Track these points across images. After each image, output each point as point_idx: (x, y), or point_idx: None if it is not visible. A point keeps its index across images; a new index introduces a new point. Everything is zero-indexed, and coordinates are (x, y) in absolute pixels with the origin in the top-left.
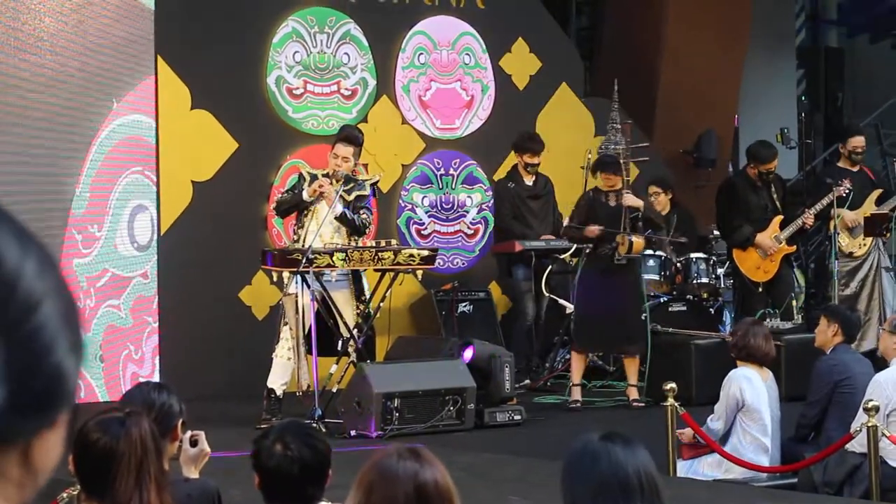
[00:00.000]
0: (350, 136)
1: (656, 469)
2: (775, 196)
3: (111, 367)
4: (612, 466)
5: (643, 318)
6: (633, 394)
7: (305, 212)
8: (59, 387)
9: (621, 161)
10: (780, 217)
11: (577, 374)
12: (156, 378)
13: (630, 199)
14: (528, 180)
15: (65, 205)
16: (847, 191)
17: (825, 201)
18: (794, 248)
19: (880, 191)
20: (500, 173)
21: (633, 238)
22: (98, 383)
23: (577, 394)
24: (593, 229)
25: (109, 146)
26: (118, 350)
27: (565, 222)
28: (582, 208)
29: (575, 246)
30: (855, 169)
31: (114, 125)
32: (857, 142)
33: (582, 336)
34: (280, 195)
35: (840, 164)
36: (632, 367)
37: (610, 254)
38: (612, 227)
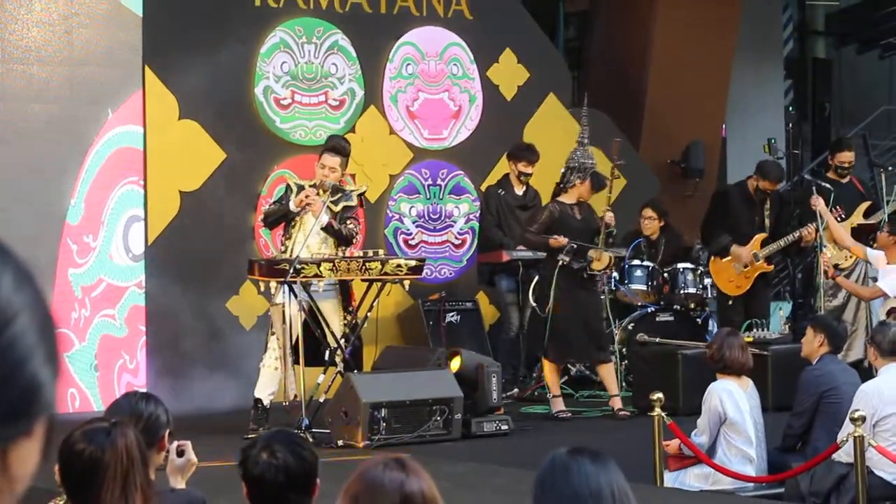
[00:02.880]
0: (337, 146)
1: (627, 482)
2: (767, 213)
3: (106, 376)
4: (582, 479)
5: (630, 327)
6: (617, 403)
7: (293, 223)
8: (34, 396)
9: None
10: (764, 235)
11: (555, 386)
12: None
13: (611, 218)
14: (519, 189)
15: (60, 215)
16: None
17: (819, 208)
18: (772, 267)
19: (869, 203)
20: (489, 183)
21: (611, 255)
22: (93, 392)
23: (560, 404)
24: (560, 240)
25: (104, 157)
26: (113, 359)
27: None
28: (546, 217)
29: (561, 257)
30: (844, 181)
31: (109, 135)
32: (845, 157)
33: (556, 348)
34: (267, 207)
35: (829, 176)
36: (609, 375)
37: (585, 267)
38: (582, 241)
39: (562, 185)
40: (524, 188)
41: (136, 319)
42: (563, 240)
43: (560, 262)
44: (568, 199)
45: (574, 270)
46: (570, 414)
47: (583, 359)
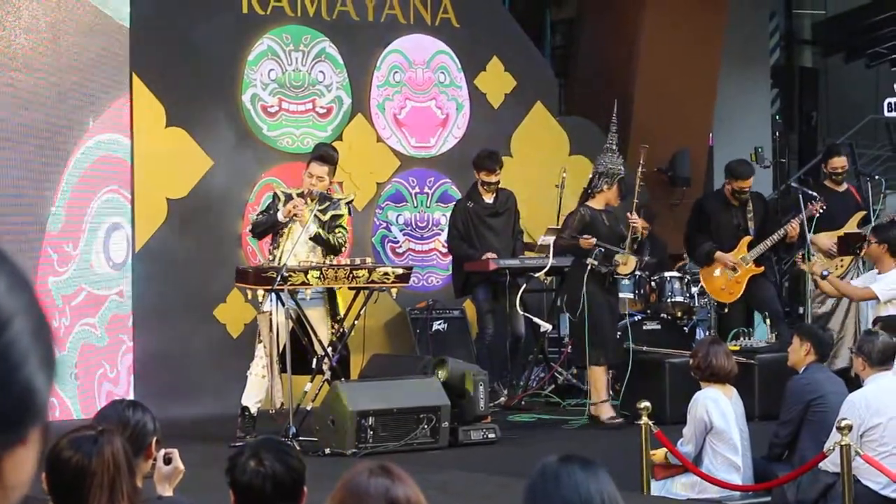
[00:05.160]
0: (324, 154)
1: (617, 489)
2: (750, 216)
3: (86, 385)
4: (572, 487)
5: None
6: (607, 411)
7: (281, 232)
8: (29, 402)
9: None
10: (749, 238)
11: (603, 391)
12: (131, 396)
13: (640, 221)
14: (488, 198)
15: (41, 223)
16: (821, 211)
17: (804, 215)
18: (762, 268)
19: (863, 213)
20: None
21: (636, 258)
22: (73, 401)
23: (609, 409)
24: (590, 240)
25: (85, 165)
26: (93, 368)
27: (545, 238)
28: (578, 223)
29: (549, 264)
30: (840, 189)
31: (90, 143)
32: (836, 163)
33: (598, 350)
34: (255, 217)
35: (826, 184)
36: (601, 382)
37: (611, 272)
38: (611, 245)
39: (589, 191)
40: (493, 195)
41: (117, 328)
42: (592, 240)
43: (589, 267)
44: (596, 204)
45: (602, 275)
46: (621, 420)
47: (617, 359)
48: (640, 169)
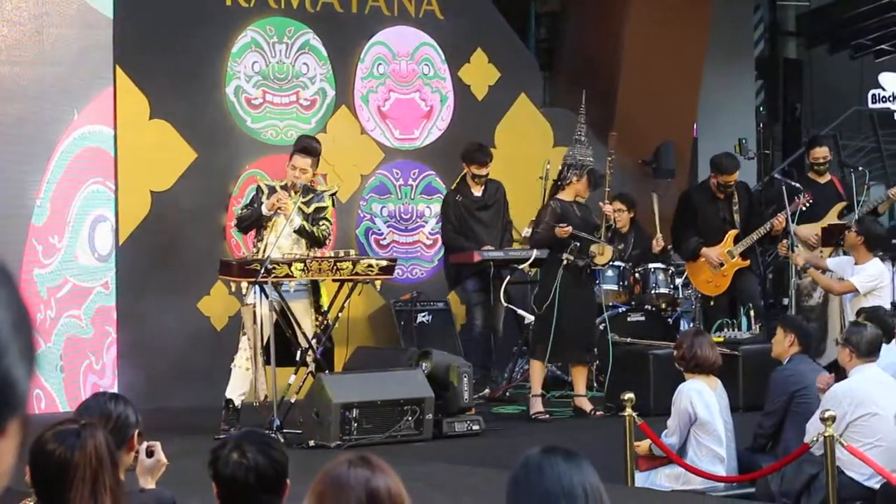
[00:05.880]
0: (308, 146)
1: (600, 481)
2: (736, 209)
3: (72, 377)
4: (555, 478)
5: (601, 327)
6: (587, 404)
7: (265, 225)
8: (8, 393)
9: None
10: (736, 231)
11: (539, 384)
12: (116, 388)
13: (611, 210)
14: (477, 191)
15: (25, 215)
16: (807, 205)
17: (797, 261)
18: (748, 262)
19: (844, 204)
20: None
21: (612, 247)
22: (58, 393)
23: (539, 405)
24: (566, 229)
25: (70, 157)
26: (79, 360)
27: (528, 230)
28: (550, 216)
29: (534, 256)
30: (823, 180)
31: (75, 135)
32: (818, 153)
33: (551, 349)
34: (240, 211)
35: (809, 176)
36: (581, 377)
37: (588, 263)
38: (586, 235)
39: (559, 183)
40: (482, 188)
41: (103, 320)
42: (568, 228)
43: (565, 261)
44: (566, 196)
45: (579, 268)
46: (548, 416)
47: (571, 361)
48: (609, 157)
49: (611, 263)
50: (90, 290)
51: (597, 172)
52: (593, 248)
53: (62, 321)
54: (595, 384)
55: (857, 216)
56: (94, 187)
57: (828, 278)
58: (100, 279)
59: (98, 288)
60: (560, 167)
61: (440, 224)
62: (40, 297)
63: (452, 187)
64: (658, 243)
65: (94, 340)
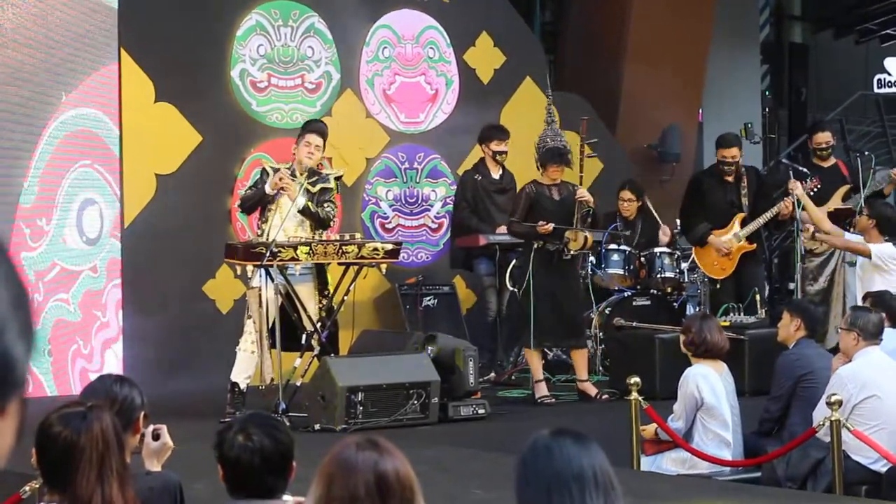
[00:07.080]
0: (321, 129)
1: (609, 463)
2: (744, 192)
3: (60, 361)
4: (565, 461)
5: (588, 312)
6: (591, 388)
7: (269, 207)
8: (7, 372)
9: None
10: (743, 215)
11: (538, 371)
12: (105, 372)
13: (586, 195)
14: (496, 173)
15: (13, 198)
16: (815, 189)
17: (797, 192)
18: (754, 246)
19: (848, 187)
20: (465, 167)
21: (588, 234)
22: (46, 378)
23: (543, 389)
24: (547, 227)
25: (58, 139)
26: (67, 344)
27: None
28: (524, 202)
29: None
30: (827, 164)
31: (63, 118)
32: (821, 138)
33: (533, 333)
34: (244, 192)
35: (813, 161)
36: (581, 360)
37: (561, 249)
38: (557, 222)
39: (538, 167)
40: (500, 171)
41: (91, 304)
42: (549, 226)
43: (535, 245)
44: (543, 179)
45: (550, 253)
46: (553, 399)
47: (558, 344)
48: (581, 141)
49: (606, 248)
50: (78, 274)
51: (553, 150)
52: (567, 233)
53: (50, 305)
54: (601, 368)
55: (862, 198)
56: (84, 170)
57: (839, 231)
58: (88, 263)
59: (86, 271)
60: (535, 150)
61: (454, 204)
62: (28, 280)
63: (469, 168)
64: (665, 234)
65: (83, 324)
